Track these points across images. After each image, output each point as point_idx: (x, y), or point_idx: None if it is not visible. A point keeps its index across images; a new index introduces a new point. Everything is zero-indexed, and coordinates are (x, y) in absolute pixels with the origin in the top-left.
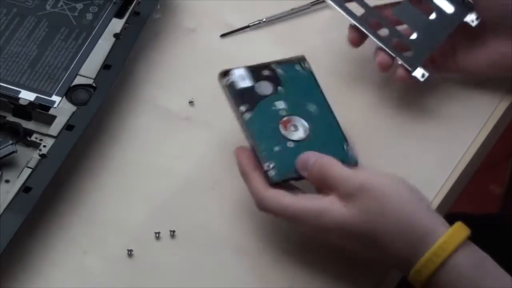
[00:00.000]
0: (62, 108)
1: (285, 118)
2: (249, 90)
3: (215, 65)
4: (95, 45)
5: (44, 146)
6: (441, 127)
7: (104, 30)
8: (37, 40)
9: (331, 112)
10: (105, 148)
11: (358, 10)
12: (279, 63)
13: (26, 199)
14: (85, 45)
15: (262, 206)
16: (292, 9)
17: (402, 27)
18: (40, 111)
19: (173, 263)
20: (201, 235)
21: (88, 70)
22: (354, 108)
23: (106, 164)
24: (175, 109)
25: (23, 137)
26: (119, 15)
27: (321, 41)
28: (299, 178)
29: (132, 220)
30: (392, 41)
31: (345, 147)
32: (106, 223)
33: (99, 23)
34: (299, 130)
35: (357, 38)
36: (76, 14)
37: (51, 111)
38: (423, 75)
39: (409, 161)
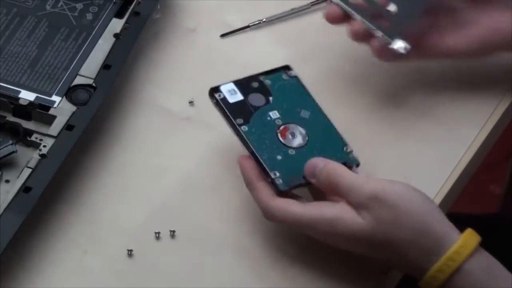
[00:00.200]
0: (62, 108)
1: (282, 127)
2: (242, 103)
3: (215, 65)
4: (95, 45)
5: (44, 146)
6: (441, 127)
7: (104, 30)
8: (37, 40)
9: (325, 116)
10: (105, 148)
11: None
12: (265, 74)
13: (26, 199)
14: (85, 45)
15: (271, 216)
16: (292, 9)
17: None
18: (40, 111)
19: (173, 263)
20: (201, 235)
21: (88, 70)
22: (354, 108)
23: (106, 164)
24: (175, 109)
25: (23, 137)
26: (119, 15)
27: (321, 41)
28: (306, 184)
29: (132, 220)
30: (371, 13)
31: (344, 149)
32: (106, 223)
33: (99, 23)
34: (297, 137)
35: (335, 14)
36: (76, 14)
37: (51, 111)
38: (401, 48)
39: (409, 161)
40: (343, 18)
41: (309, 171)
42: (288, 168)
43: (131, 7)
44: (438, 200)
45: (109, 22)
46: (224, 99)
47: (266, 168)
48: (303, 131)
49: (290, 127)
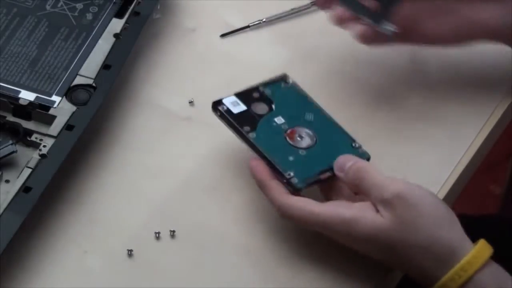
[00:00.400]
0: (62, 108)
1: (289, 130)
2: (246, 113)
3: (215, 65)
4: (95, 45)
5: (44, 146)
6: (441, 127)
7: (104, 30)
8: (37, 40)
9: (329, 116)
10: (105, 148)
11: None
12: (265, 84)
13: (26, 199)
14: (85, 45)
15: (287, 214)
16: (292, 9)
17: None
18: (40, 111)
19: (173, 263)
20: (201, 235)
21: (88, 70)
22: (353, 108)
23: (106, 164)
24: (175, 109)
25: (23, 137)
26: (119, 15)
27: (321, 41)
28: (321, 181)
29: (132, 220)
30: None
31: (353, 145)
32: (106, 223)
33: (99, 23)
34: (305, 138)
35: (342, 15)
36: (76, 14)
37: (51, 111)
38: (388, 29)
39: (409, 161)
40: (349, 19)
41: (339, 165)
42: (302, 167)
43: (131, 7)
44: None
45: (109, 22)
46: (228, 111)
47: (280, 170)
48: (310, 132)
49: (297, 130)
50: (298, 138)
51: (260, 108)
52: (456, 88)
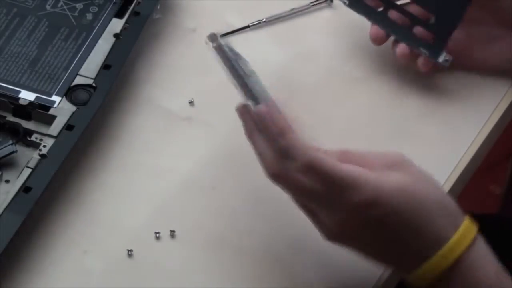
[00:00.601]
0: (62, 108)
1: None
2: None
3: (215, 65)
4: (95, 45)
5: (44, 146)
6: (441, 127)
7: (104, 30)
8: (37, 40)
9: None
10: (105, 148)
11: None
12: None
13: (26, 199)
14: (85, 45)
15: (312, 168)
16: (292, 9)
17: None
18: (40, 111)
19: (173, 263)
20: (201, 235)
21: (88, 70)
22: (353, 108)
23: (106, 164)
24: (175, 109)
25: (23, 137)
26: (119, 15)
27: (321, 41)
28: None
29: (132, 220)
30: (414, 30)
31: None
32: (106, 223)
33: (99, 23)
34: None
35: (380, 35)
36: (76, 14)
37: (51, 111)
38: (446, 61)
39: None
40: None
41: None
42: None
43: (131, 7)
44: None
45: (109, 22)
46: (227, 44)
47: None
48: None
49: None
50: None
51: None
52: (456, 88)
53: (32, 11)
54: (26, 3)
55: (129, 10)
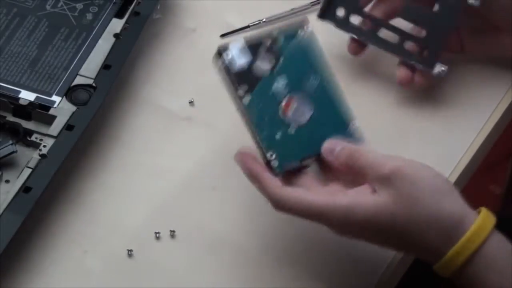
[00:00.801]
0: (62, 108)
1: (284, 101)
2: (248, 68)
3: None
4: (95, 45)
5: (44, 146)
6: (441, 127)
7: (104, 30)
8: (37, 40)
9: (333, 85)
10: (105, 148)
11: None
12: (281, 32)
13: (26, 199)
14: (85, 45)
15: (280, 206)
16: (292, 9)
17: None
18: (40, 111)
19: (173, 263)
20: (201, 235)
21: (88, 70)
22: (353, 109)
23: (106, 164)
24: (175, 109)
25: (23, 137)
26: (119, 15)
27: (321, 41)
28: (303, 167)
29: (132, 220)
30: (405, 46)
31: (349, 128)
32: (106, 223)
33: (99, 23)
34: (299, 113)
35: (357, 48)
36: (76, 14)
37: (51, 111)
38: (442, 71)
39: None
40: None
41: (328, 150)
42: (286, 149)
43: (131, 7)
44: None
45: (109, 22)
46: (230, 64)
47: (263, 148)
48: (307, 106)
49: (294, 101)
50: (291, 112)
51: (266, 62)
52: (456, 88)
53: (32, 11)
54: (26, 3)
55: (129, 10)
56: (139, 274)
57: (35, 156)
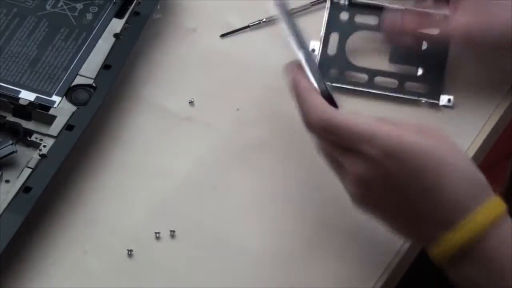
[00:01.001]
0: (62, 108)
1: None
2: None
3: (215, 65)
4: (95, 45)
5: (44, 146)
6: (441, 127)
7: (104, 30)
8: (37, 40)
9: None
10: (105, 148)
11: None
12: None
13: (26, 199)
14: (85, 45)
15: (322, 123)
16: (292, 9)
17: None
18: (40, 111)
19: (173, 263)
20: (201, 235)
21: (88, 70)
22: (353, 107)
23: (106, 164)
24: (175, 109)
25: (23, 137)
26: (119, 15)
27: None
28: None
29: (132, 220)
30: (405, 86)
31: None
32: (106, 223)
33: (99, 23)
34: None
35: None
36: (76, 14)
37: (51, 111)
38: (449, 100)
39: None
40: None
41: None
42: None
43: (131, 7)
44: None
45: (109, 22)
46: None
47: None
48: None
49: None
50: None
51: None
52: (456, 87)
53: (32, 11)
54: (26, 3)
55: (129, 10)
56: (139, 274)
57: (35, 156)
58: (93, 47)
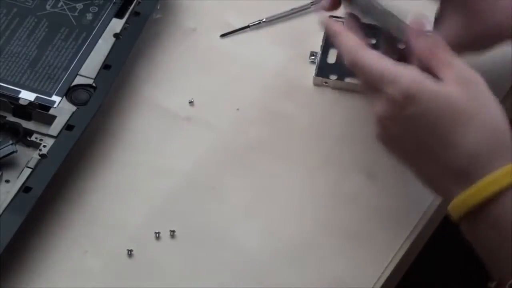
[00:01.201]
0: (62, 108)
1: None
2: None
3: (215, 65)
4: (95, 45)
5: (44, 146)
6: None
7: (104, 30)
8: (37, 40)
9: None
10: (105, 148)
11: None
12: None
13: (26, 199)
14: (85, 45)
15: (357, 58)
16: (292, 9)
17: None
18: (40, 111)
19: (173, 263)
20: (201, 235)
21: (88, 70)
22: (353, 108)
23: (106, 164)
24: (175, 109)
25: (23, 137)
26: (119, 15)
27: (321, 41)
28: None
29: (132, 220)
30: None
31: None
32: (106, 223)
33: (99, 23)
34: None
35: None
36: (76, 14)
37: (51, 111)
38: None
39: None
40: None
41: (419, 25)
42: None
43: (131, 7)
44: (438, 200)
45: (109, 22)
46: None
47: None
48: None
49: None
50: None
51: None
52: None
53: (32, 11)
54: (26, 3)
55: (129, 10)
56: (139, 274)
57: (35, 156)
58: (93, 47)
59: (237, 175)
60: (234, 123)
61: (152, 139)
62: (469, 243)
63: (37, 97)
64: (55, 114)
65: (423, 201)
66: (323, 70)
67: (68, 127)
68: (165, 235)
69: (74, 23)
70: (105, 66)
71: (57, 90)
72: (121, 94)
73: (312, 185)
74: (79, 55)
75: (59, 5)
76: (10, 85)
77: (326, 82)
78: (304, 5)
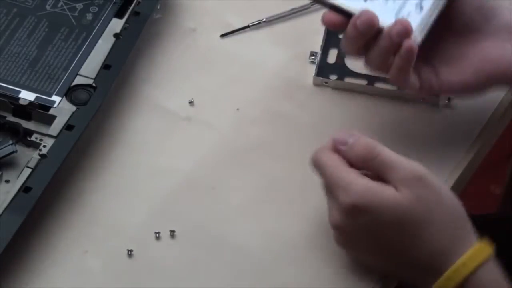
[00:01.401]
0: (62, 108)
1: None
2: None
3: (215, 65)
4: (95, 45)
5: (44, 146)
6: (441, 127)
7: (104, 30)
8: (37, 40)
9: None
10: (105, 148)
11: None
12: None
13: (26, 199)
14: (85, 45)
15: (314, 156)
16: (292, 9)
17: None
18: (40, 111)
19: (173, 263)
20: (201, 235)
21: (88, 70)
22: (353, 108)
23: (106, 164)
24: (175, 109)
25: (23, 137)
26: (119, 15)
27: (321, 41)
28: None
29: (132, 220)
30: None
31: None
32: (106, 223)
33: (99, 23)
34: None
35: (334, 20)
36: (76, 14)
37: (51, 111)
38: (448, 100)
39: None
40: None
41: (341, 138)
42: None
43: (131, 7)
44: None
45: (109, 22)
46: None
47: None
48: None
49: None
50: None
51: None
52: None
53: (32, 11)
54: (26, 3)
55: (129, 10)
56: (139, 274)
57: (35, 156)
58: (93, 47)
59: (237, 175)
60: (234, 123)
61: (152, 139)
62: None
63: (37, 97)
64: (55, 114)
65: None
66: (323, 70)
67: (68, 127)
68: (165, 235)
69: (74, 23)
70: (105, 66)
71: (57, 90)
72: (121, 94)
73: (312, 185)
74: (79, 55)
75: (59, 5)
76: (10, 85)
77: (326, 82)
78: (304, 5)
